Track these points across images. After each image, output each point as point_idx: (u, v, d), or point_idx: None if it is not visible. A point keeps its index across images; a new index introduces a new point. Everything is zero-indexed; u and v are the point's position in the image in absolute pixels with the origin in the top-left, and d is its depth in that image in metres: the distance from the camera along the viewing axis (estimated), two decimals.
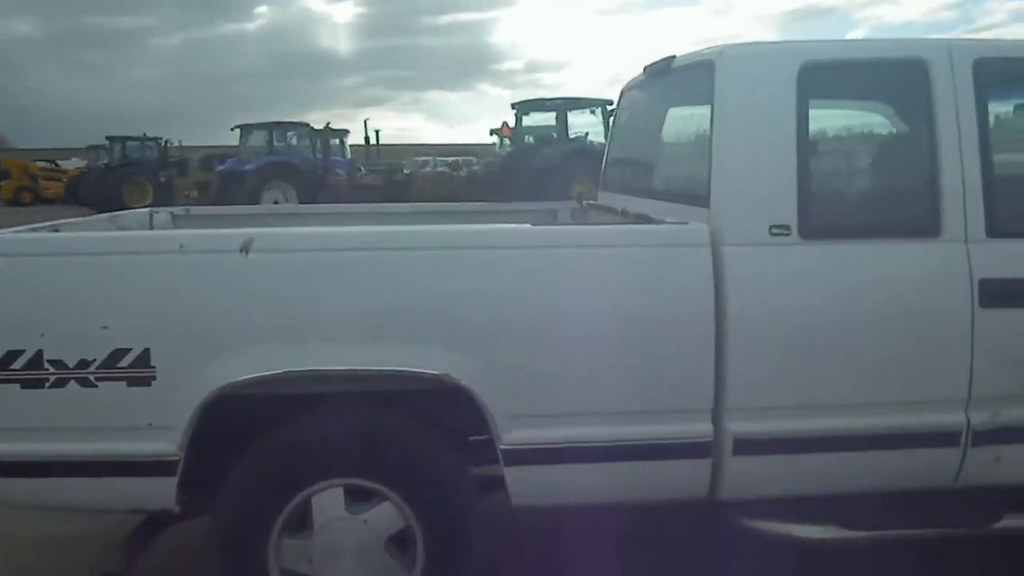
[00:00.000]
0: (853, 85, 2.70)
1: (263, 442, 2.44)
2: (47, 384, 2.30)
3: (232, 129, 18.53)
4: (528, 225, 2.64)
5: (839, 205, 2.75)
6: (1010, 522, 2.67)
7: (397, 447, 2.46)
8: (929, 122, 2.59)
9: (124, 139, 23.36)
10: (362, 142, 22.88)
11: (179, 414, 2.33)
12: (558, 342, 2.43)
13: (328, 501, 2.46)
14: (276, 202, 16.77)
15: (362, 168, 19.53)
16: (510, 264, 2.44)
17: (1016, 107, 2.84)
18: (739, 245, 2.50)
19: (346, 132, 21.40)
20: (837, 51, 2.69)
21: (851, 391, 2.54)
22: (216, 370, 2.32)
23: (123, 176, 22.29)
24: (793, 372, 2.52)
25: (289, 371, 2.32)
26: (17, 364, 2.29)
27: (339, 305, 2.38)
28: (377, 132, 23.52)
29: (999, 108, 2.72)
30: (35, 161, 30.70)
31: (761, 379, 2.51)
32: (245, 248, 2.36)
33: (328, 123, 18.72)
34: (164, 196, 19.85)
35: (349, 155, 21.49)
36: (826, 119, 2.78)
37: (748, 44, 2.69)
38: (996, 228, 2.58)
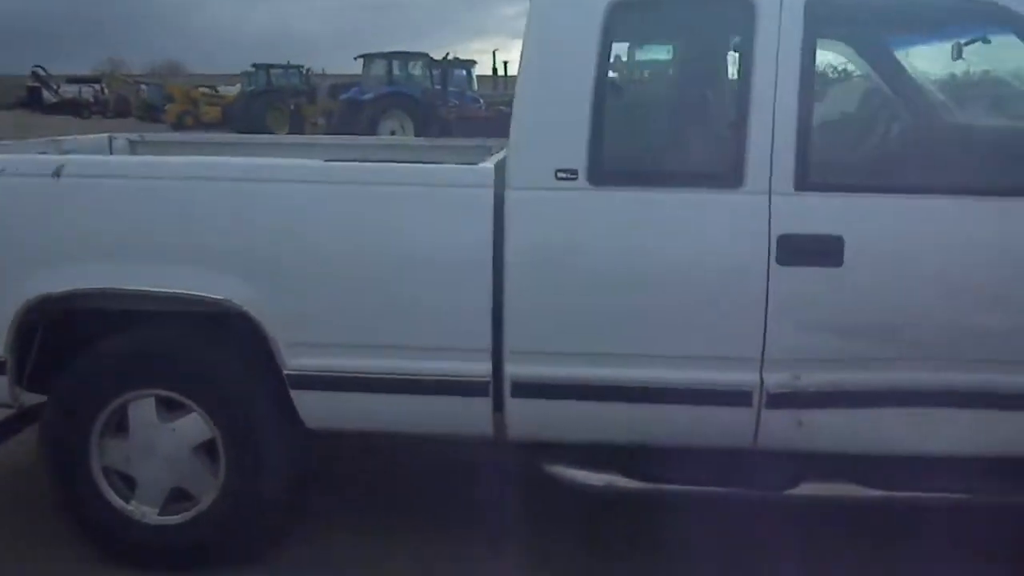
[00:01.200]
0: (672, 25, 2.59)
1: (84, 353, 2.70)
2: None
3: (356, 59, 19.11)
4: (319, 161, 2.70)
5: (635, 151, 2.65)
6: (807, 490, 2.58)
7: (196, 364, 2.65)
8: (746, 65, 2.44)
9: (268, 66, 24.52)
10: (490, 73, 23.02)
11: (2, 321, 2.60)
12: (339, 276, 2.53)
13: (142, 409, 2.69)
14: (393, 132, 17.29)
15: (481, 100, 19.70)
16: (293, 198, 2.54)
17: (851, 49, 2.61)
18: (523, 188, 2.48)
19: (473, 63, 21.57)
20: None
21: (638, 342, 2.50)
22: (30, 284, 2.57)
23: (267, 102, 23.47)
24: (574, 320, 2.50)
25: (81, 288, 2.54)
26: None
27: (133, 229, 2.56)
28: (506, 64, 23.56)
29: (832, 51, 2.52)
30: (198, 87, 32.76)
31: (541, 324, 2.51)
32: (56, 173, 2.58)
33: (447, 54, 18.95)
34: (296, 123, 20.82)
35: (475, 87, 21.69)
36: (641, 60, 2.67)
37: None
38: (806, 181, 2.43)
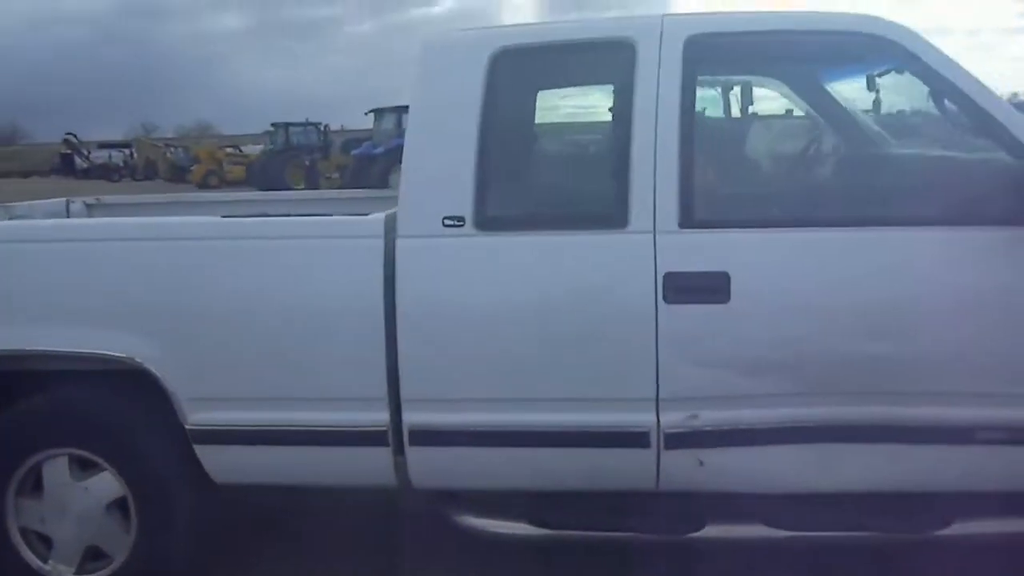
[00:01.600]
0: (555, 70, 2.61)
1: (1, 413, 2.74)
2: None
3: (366, 114, 19.48)
4: (215, 218, 2.74)
5: (520, 196, 2.67)
6: (712, 532, 2.53)
7: (105, 422, 2.68)
8: (627, 106, 2.46)
9: (287, 125, 25.07)
10: None
11: None
12: (234, 330, 2.56)
13: (55, 468, 2.72)
14: None
15: None
16: (188, 255, 2.58)
17: (737, 87, 2.62)
18: (412, 237, 2.50)
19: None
20: (539, 35, 2.60)
21: (532, 386, 2.49)
22: None
23: (285, 159, 23.96)
24: (467, 366, 2.50)
25: None
26: None
27: (44, 291, 2.62)
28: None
29: (717, 88, 2.53)
30: (224, 147, 33.55)
31: (435, 372, 2.51)
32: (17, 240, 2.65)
33: None
34: (312, 178, 21.16)
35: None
36: (527, 106, 2.70)
37: (455, 31, 2.66)
38: (690, 219, 2.43)
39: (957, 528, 2.46)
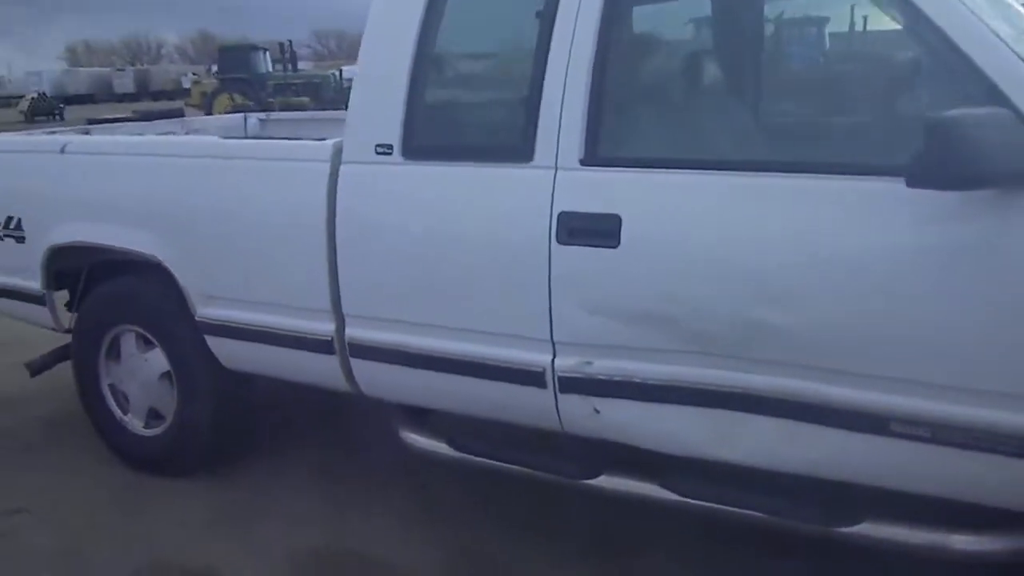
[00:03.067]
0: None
1: (91, 293, 3.41)
2: None
3: None
4: (214, 138, 3.03)
5: (444, 125, 2.62)
6: (604, 482, 2.44)
7: (151, 308, 3.21)
8: (547, 35, 2.34)
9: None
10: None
11: (36, 264, 3.39)
12: (220, 240, 2.91)
13: (127, 341, 3.34)
14: None
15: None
16: (190, 170, 2.96)
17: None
18: (352, 163, 2.64)
19: (826, 20, 20.10)
20: None
21: (444, 314, 2.55)
22: (49, 236, 3.32)
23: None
24: (390, 289, 2.62)
25: (66, 242, 3.22)
26: None
27: (99, 194, 3.17)
28: (865, 19, 21.52)
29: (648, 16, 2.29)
30: None
31: (366, 291, 2.66)
32: (62, 150, 3.28)
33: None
34: None
35: (827, 44, 20.21)
36: (459, 36, 2.62)
37: None
38: (594, 155, 2.28)
39: (865, 529, 2.14)
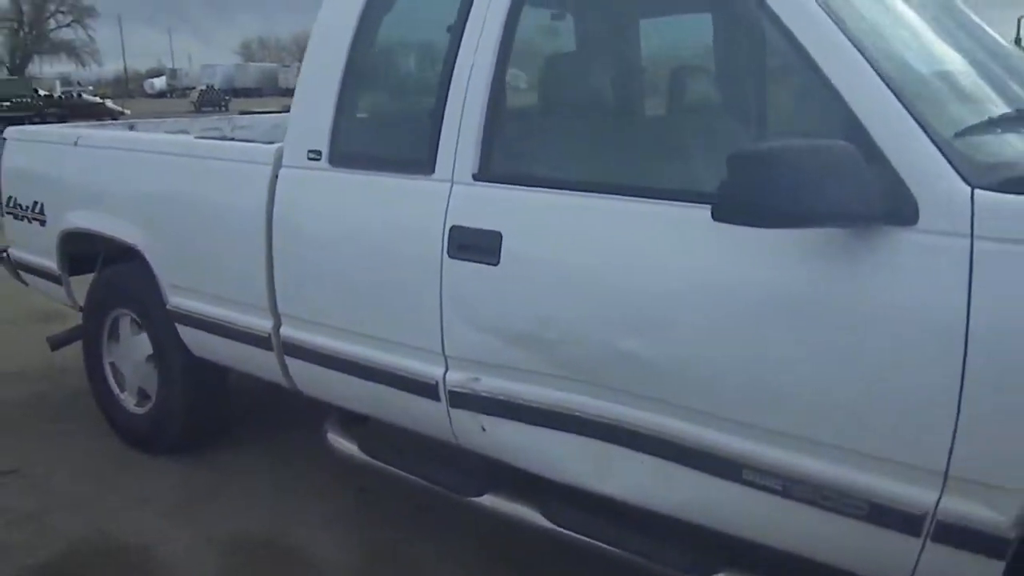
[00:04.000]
0: (417, 10, 2.52)
1: (98, 277, 3.65)
2: (22, 219, 3.85)
3: None
4: (187, 136, 3.15)
5: (365, 135, 2.64)
6: (488, 501, 2.41)
7: (137, 295, 3.41)
8: (454, 48, 2.34)
9: None
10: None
11: (53, 246, 3.67)
12: (183, 233, 3.06)
13: (124, 323, 3.57)
14: None
15: None
16: (165, 167, 3.12)
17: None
18: (289, 167, 2.72)
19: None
20: None
21: (356, 320, 2.58)
22: (61, 221, 3.59)
23: None
24: (317, 291, 2.68)
25: (72, 228, 3.47)
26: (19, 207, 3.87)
27: (98, 185, 3.40)
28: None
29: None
30: None
31: (297, 292, 2.74)
32: (76, 142, 3.54)
33: None
34: None
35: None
36: (386, 46, 2.63)
37: None
38: (486, 171, 2.26)
39: None
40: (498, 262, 2.19)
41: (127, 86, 64.70)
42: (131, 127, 4.33)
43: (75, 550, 2.86)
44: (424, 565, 2.74)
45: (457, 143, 2.30)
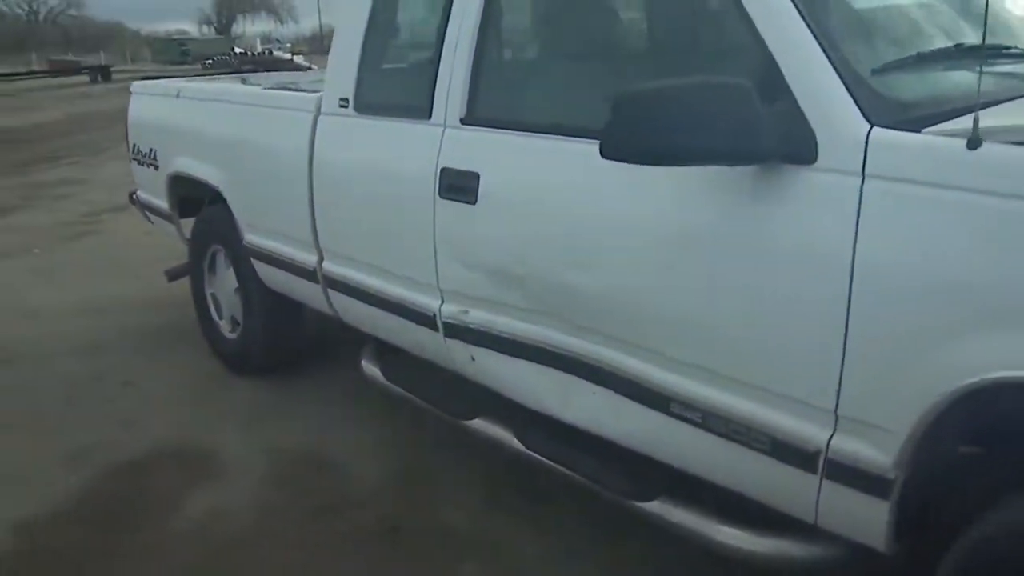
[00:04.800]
0: None
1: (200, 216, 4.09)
2: (143, 164, 4.35)
3: None
4: (257, 87, 3.42)
5: (382, 84, 2.78)
6: (476, 424, 2.60)
7: (225, 232, 3.79)
8: (449, 2, 2.49)
9: None
10: None
11: (163, 190, 4.13)
12: (253, 176, 3.39)
13: (220, 258, 3.99)
14: None
15: None
16: (240, 115, 3.45)
17: None
18: (325, 114, 2.96)
19: None
20: None
21: (367, 253, 2.84)
22: (168, 166, 4.04)
23: None
24: (343, 227, 2.93)
25: (174, 171, 3.90)
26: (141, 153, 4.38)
27: (190, 133, 3.80)
28: None
29: None
30: None
31: (330, 229, 3.00)
32: (177, 94, 3.95)
33: None
34: None
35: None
36: (410, 5, 2.78)
37: None
38: (472, 115, 2.41)
39: (656, 507, 2.11)
40: (475, 201, 2.33)
41: (323, 43, 68.12)
42: (243, 80, 4.73)
43: (155, 450, 3.31)
44: (442, 486, 2.96)
45: (449, 89, 2.45)
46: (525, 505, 2.78)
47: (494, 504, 2.82)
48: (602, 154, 1.70)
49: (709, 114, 1.59)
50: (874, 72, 1.69)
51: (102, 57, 52.30)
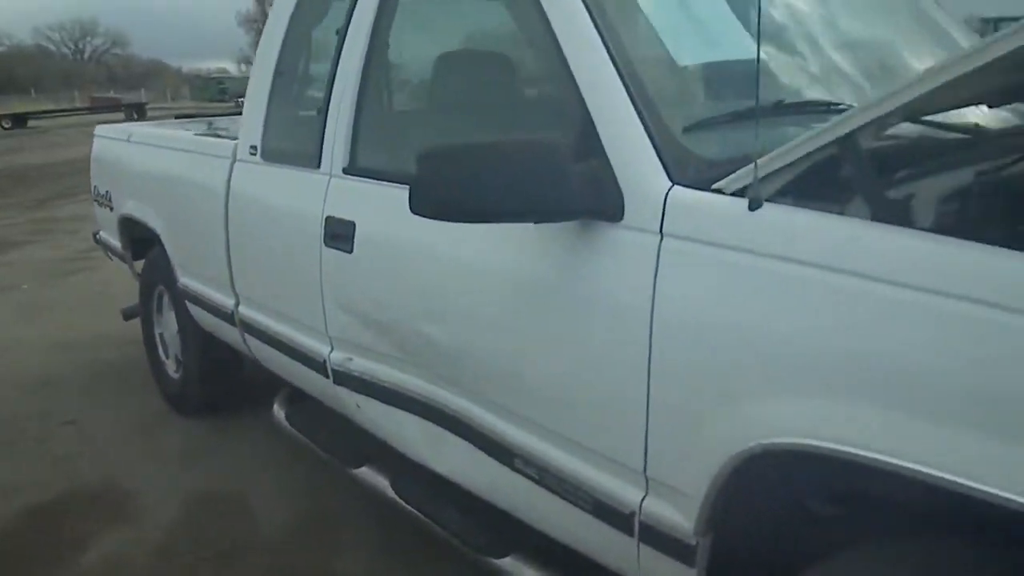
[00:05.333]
0: (321, 10, 2.71)
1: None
2: (102, 205, 4.44)
3: None
4: (188, 133, 3.49)
5: (282, 131, 2.81)
6: (362, 473, 2.60)
7: (165, 271, 3.85)
8: (339, 52, 2.53)
9: None
10: None
11: (116, 230, 4.21)
12: (182, 220, 3.45)
13: (166, 299, 4.05)
14: None
15: None
16: (172, 159, 3.52)
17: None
18: (240, 161, 3.01)
19: None
20: None
21: (272, 299, 2.87)
22: (119, 208, 4.12)
23: None
24: (251, 272, 2.97)
25: (124, 214, 3.97)
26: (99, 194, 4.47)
27: (136, 176, 3.87)
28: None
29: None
30: None
31: (244, 273, 3.04)
32: (129, 139, 4.04)
33: None
34: None
35: None
36: (307, 46, 2.82)
37: None
38: (353, 165, 2.44)
39: (508, 564, 2.07)
40: (351, 250, 2.35)
41: None
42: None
43: (79, 490, 3.33)
44: (343, 531, 2.94)
45: (335, 139, 2.48)
46: (419, 553, 2.75)
47: (388, 551, 2.79)
48: (411, 209, 1.70)
49: (515, 172, 1.58)
50: (685, 130, 1.68)
51: (143, 95, 53.72)
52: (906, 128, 1.66)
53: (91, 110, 41.20)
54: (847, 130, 1.37)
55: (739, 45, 1.87)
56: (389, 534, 2.87)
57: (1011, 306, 1.13)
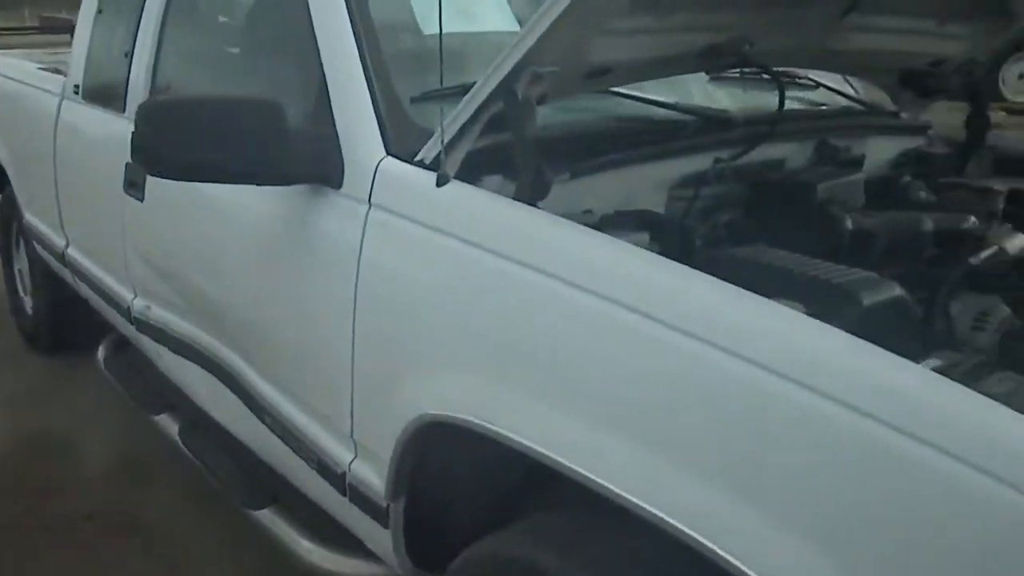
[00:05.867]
0: None
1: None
2: None
3: None
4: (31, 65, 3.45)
5: (99, 72, 2.80)
6: (162, 420, 2.61)
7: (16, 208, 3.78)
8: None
9: None
10: None
11: None
12: (22, 155, 3.39)
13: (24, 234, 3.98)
14: None
15: None
16: (14, 93, 3.44)
17: None
18: (66, 99, 2.98)
19: None
20: None
21: (89, 241, 2.89)
22: None
23: None
24: (71, 211, 3.00)
25: None
26: None
27: None
28: None
29: None
30: None
31: (69, 214, 3.02)
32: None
33: None
34: None
35: None
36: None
37: None
38: None
39: (265, 516, 2.12)
40: (143, 198, 2.33)
41: None
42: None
43: None
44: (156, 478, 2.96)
45: (137, 83, 2.45)
46: (225, 502, 2.79)
47: (196, 498, 2.82)
48: (133, 163, 1.69)
49: (235, 132, 1.58)
50: (413, 100, 1.69)
51: None
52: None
53: (39, 30, 39.76)
54: (500, 77, 1.39)
55: (496, 17, 1.87)
56: (194, 485, 2.90)
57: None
